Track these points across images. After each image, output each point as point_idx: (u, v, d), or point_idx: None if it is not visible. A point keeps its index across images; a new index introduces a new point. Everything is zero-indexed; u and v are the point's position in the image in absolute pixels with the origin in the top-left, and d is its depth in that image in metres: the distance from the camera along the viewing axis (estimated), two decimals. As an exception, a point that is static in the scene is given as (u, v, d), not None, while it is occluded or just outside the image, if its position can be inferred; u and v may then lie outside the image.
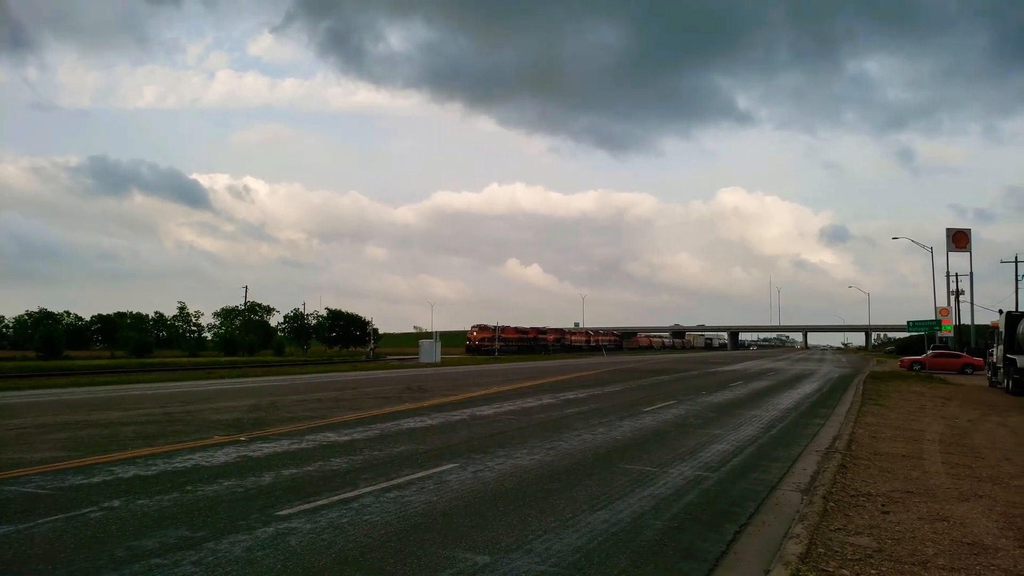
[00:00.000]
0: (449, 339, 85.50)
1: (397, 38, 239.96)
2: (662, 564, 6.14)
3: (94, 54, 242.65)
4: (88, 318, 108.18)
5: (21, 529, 6.80)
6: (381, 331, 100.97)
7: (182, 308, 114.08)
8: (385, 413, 17.19)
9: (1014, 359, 26.27)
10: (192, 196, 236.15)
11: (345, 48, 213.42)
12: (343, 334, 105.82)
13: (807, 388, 30.34)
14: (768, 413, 19.15)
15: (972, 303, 64.94)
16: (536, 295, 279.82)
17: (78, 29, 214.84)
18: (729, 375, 39.56)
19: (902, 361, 52.30)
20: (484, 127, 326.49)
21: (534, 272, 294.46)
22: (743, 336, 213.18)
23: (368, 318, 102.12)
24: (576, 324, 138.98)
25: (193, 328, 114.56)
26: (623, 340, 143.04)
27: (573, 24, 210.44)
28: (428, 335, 72.50)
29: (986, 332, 44.65)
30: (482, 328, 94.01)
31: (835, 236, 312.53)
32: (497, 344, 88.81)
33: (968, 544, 6.64)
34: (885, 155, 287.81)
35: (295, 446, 11.88)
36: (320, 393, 23.41)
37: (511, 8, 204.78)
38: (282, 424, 14.78)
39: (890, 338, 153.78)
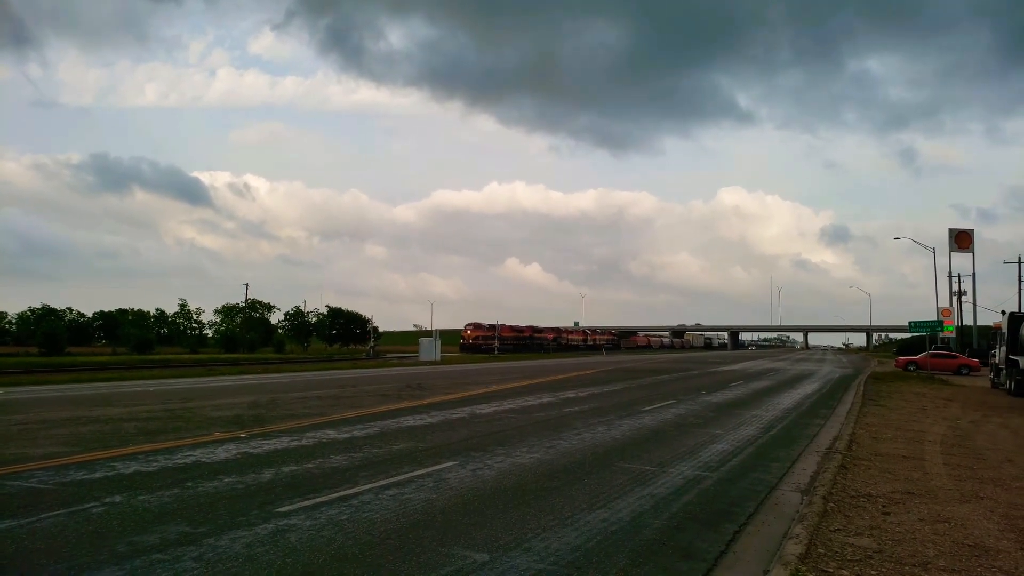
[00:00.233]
0: (449, 337, 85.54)
1: (397, 36, 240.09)
2: (661, 563, 6.15)
3: (95, 51, 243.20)
4: (90, 315, 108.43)
5: (23, 524, 6.81)
6: (381, 329, 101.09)
7: (183, 305, 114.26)
8: (385, 411, 17.21)
9: (1016, 360, 26.24)
10: (193, 194, 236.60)
11: (345, 46, 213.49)
12: (343, 332, 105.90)
13: (807, 388, 30.32)
14: (768, 413, 19.15)
15: (974, 304, 64.91)
16: (535, 294, 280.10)
17: (79, 26, 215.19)
18: (729, 375, 39.54)
19: (897, 361, 52.34)
20: (484, 126, 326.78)
21: (534, 271, 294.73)
22: (743, 336, 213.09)
23: (368, 316, 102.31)
24: (576, 323, 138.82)
25: (194, 325, 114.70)
26: (621, 340, 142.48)
27: (573, 22, 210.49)
28: (428, 333, 72.55)
29: (988, 333, 44.60)
30: (476, 326, 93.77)
31: (836, 236, 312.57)
32: (496, 343, 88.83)
33: (969, 546, 6.64)
34: (886, 155, 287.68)
35: (295, 443, 11.89)
36: (320, 390, 23.43)
37: (511, 6, 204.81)
38: (282, 421, 14.79)
39: (891, 339, 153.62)
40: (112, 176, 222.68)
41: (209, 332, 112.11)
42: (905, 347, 74.86)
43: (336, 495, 8.14)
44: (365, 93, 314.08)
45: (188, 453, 10.76)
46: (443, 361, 55.95)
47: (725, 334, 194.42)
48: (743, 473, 10.45)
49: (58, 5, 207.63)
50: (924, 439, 13.88)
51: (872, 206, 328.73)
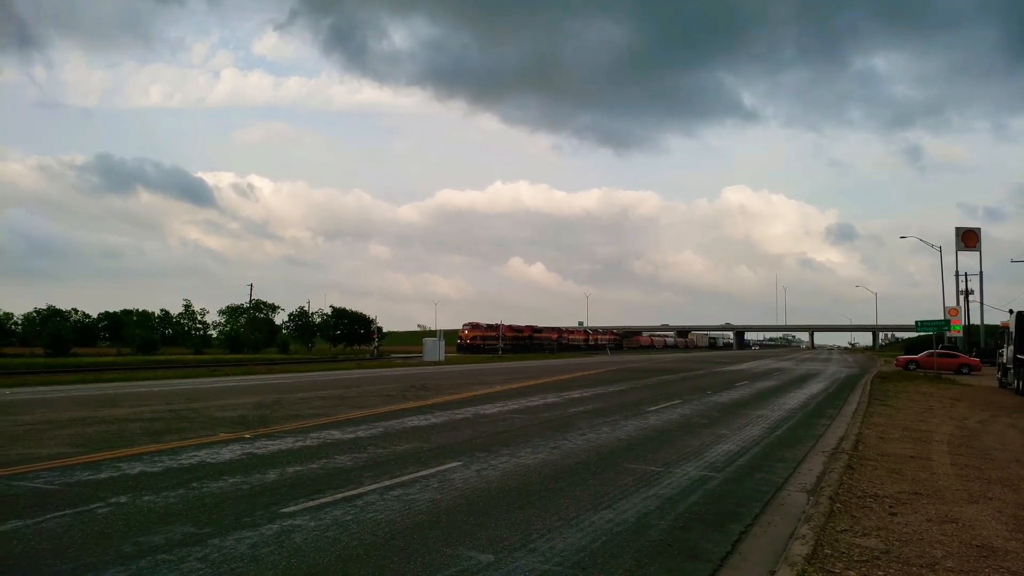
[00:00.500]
0: (452, 338, 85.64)
1: (400, 35, 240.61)
2: (667, 564, 6.12)
3: (99, 53, 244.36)
4: (95, 315, 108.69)
5: (30, 524, 6.83)
6: (385, 329, 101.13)
7: (187, 306, 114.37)
8: (389, 411, 17.21)
9: (1024, 360, 26.11)
10: (197, 194, 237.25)
11: (348, 45, 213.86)
12: (347, 332, 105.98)
13: (813, 388, 30.24)
14: (774, 413, 19.09)
15: (981, 303, 64.68)
16: (539, 294, 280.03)
17: (83, 27, 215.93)
18: (734, 375, 39.47)
19: (898, 360, 52.24)
20: (487, 125, 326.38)
21: (537, 271, 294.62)
22: (748, 336, 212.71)
23: (372, 316, 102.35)
24: (580, 323, 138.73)
25: (198, 326, 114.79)
26: (623, 339, 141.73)
27: (576, 21, 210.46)
28: (432, 333, 72.55)
29: (996, 332, 44.37)
30: (474, 326, 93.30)
31: (841, 235, 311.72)
32: (501, 343, 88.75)
33: (977, 547, 6.60)
34: (892, 153, 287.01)
35: (300, 443, 11.90)
36: (324, 391, 23.45)
37: (514, 5, 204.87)
38: (287, 422, 14.80)
39: (897, 338, 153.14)
40: (116, 177, 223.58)
41: (213, 333, 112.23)
42: (912, 346, 74.63)
43: (341, 496, 8.13)
44: (368, 93, 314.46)
45: (193, 454, 10.77)
46: (447, 361, 55.98)
47: (730, 334, 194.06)
48: (749, 473, 10.42)
49: (62, 6, 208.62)
50: (931, 439, 13.82)
51: (878, 205, 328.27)
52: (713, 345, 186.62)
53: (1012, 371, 28.42)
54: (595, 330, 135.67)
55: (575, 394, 23.62)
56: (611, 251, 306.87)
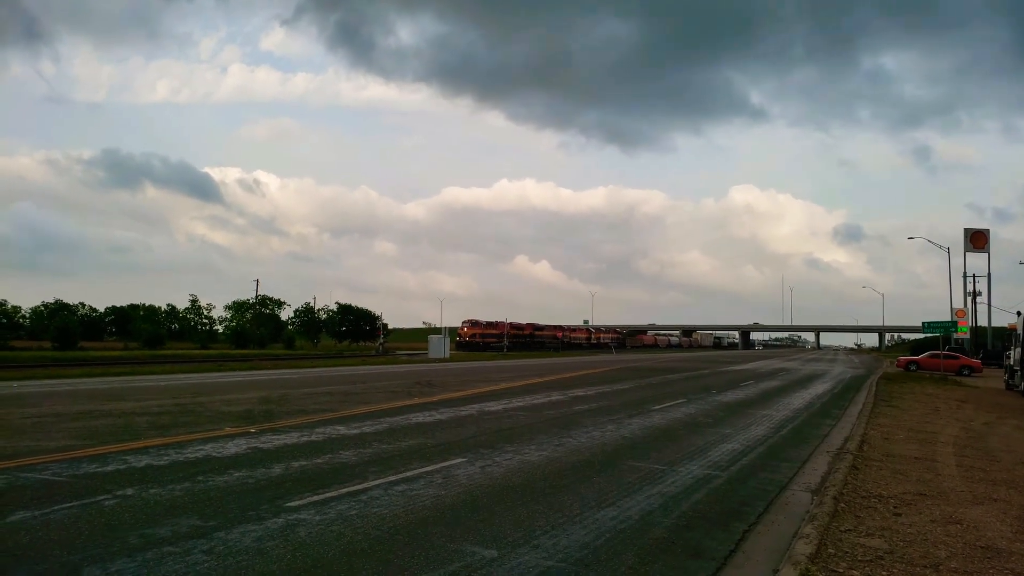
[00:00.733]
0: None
1: (407, 32, 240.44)
2: (670, 562, 6.13)
3: (107, 48, 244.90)
4: (102, 310, 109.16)
5: (37, 515, 6.88)
6: (390, 326, 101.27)
7: (194, 301, 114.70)
8: (394, 407, 17.25)
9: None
10: (204, 190, 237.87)
11: (355, 42, 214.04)
12: (353, 329, 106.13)
13: (818, 388, 30.16)
14: (779, 413, 19.06)
15: (989, 304, 64.44)
16: (545, 292, 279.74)
17: (91, 23, 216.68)
18: (739, 374, 39.40)
19: (899, 361, 52.12)
20: (494, 122, 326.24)
21: (543, 269, 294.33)
22: (754, 336, 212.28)
23: (378, 313, 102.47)
24: (585, 321, 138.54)
25: (205, 321, 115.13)
26: (626, 338, 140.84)
27: (583, 18, 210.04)
28: (437, 331, 72.66)
29: (1003, 334, 44.16)
30: (474, 323, 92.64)
31: (849, 235, 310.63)
32: (506, 341, 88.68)
33: (981, 548, 6.59)
34: (901, 153, 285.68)
35: (305, 438, 11.94)
36: (330, 387, 23.52)
37: (521, 1, 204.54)
38: (292, 417, 14.86)
39: (904, 339, 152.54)
40: (123, 172, 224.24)
41: (220, 328, 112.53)
42: (918, 348, 74.39)
43: (345, 490, 8.17)
44: (375, 90, 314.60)
45: (199, 447, 10.83)
46: (452, 358, 56.05)
47: (735, 333, 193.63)
48: (753, 472, 10.41)
49: (70, 1, 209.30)
50: (936, 440, 13.78)
51: (886, 205, 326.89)
52: (718, 345, 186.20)
53: (1019, 373, 28.29)
54: (598, 328, 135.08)
55: (579, 392, 23.62)
56: (617, 250, 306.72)
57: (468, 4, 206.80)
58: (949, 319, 52.43)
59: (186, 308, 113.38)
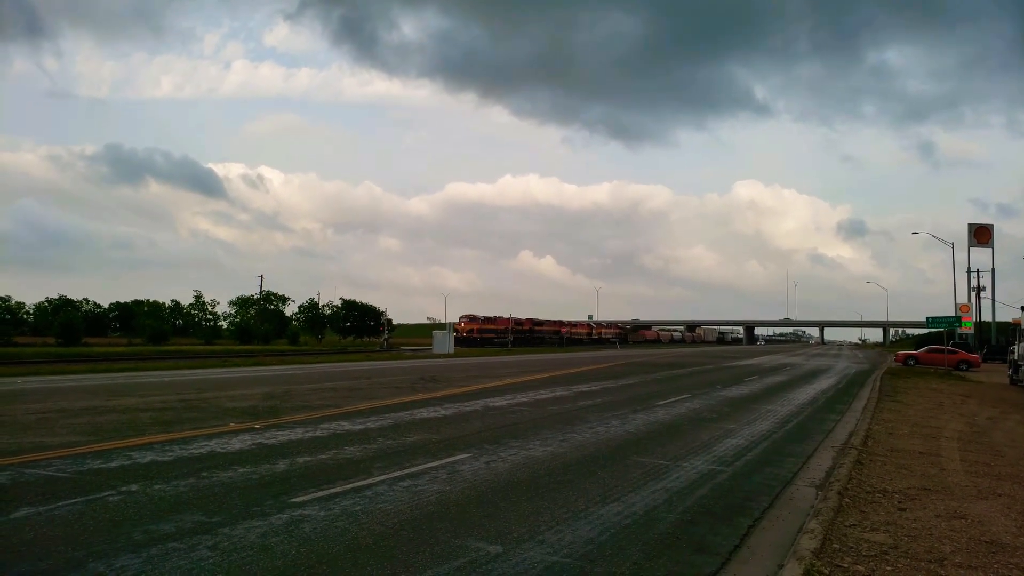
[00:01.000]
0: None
1: (410, 27, 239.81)
2: (675, 557, 6.13)
3: (110, 43, 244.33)
4: (106, 306, 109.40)
5: (42, 511, 6.90)
6: (395, 322, 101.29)
7: (198, 296, 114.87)
8: (399, 403, 17.27)
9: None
10: (207, 185, 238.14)
11: (359, 36, 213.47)
12: (357, 324, 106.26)
13: (823, 384, 30.12)
14: (783, 408, 19.04)
15: (993, 300, 64.28)
16: (549, 287, 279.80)
17: (93, 18, 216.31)
18: (743, 370, 39.36)
19: (897, 356, 52.25)
20: (497, 117, 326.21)
21: (547, 264, 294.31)
22: (757, 331, 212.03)
23: (382, 309, 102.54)
24: (590, 317, 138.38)
25: (209, 317, 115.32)
26: (628, 333, 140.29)
27: (587, 12, 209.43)
28: (441, 326, 72.67)
29: (1007, 329, 44.06)
30: (471, 319, 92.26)
31: (853, 230, 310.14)
32: (510, 336, 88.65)
33: (986, 542, 6.57)
34: (905, 148, 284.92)
35: (309, 434, 11.96)
36: (334, 382, 23.55)
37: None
38: (296, 412, 14.88)
39: (908, 334, 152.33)
40: (127, 167, 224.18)
41: (224, 323, 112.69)
42: (922, 342, 74.31)
43: (350, 486, 8.17)
44: (379, 85, 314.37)
45: (203, 443, 10.85)
46: (456, 354, 56.08)
47: (740, 329, 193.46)
48: (758, 468, 10.40)
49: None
50: (941, 435, 13.75)
51: (890, 200, 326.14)
52: (722, 340, 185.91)
53: (1023, 368, 28.21)
54: (599, 324, 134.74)
55: (583, 388, 23.62)
56: (621, 245, 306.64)
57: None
58: (953, 314, 52.33)
59: (190, 304, 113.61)
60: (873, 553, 6.13)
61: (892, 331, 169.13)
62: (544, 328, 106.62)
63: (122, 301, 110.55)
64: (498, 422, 14.17)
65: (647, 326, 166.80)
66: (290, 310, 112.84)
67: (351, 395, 19.05)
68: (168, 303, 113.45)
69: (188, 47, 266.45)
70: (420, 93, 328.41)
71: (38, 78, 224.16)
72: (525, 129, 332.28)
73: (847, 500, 8.03)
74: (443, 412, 15.60)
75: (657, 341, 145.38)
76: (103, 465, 9.08)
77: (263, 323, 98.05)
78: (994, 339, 61.26)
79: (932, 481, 9.28)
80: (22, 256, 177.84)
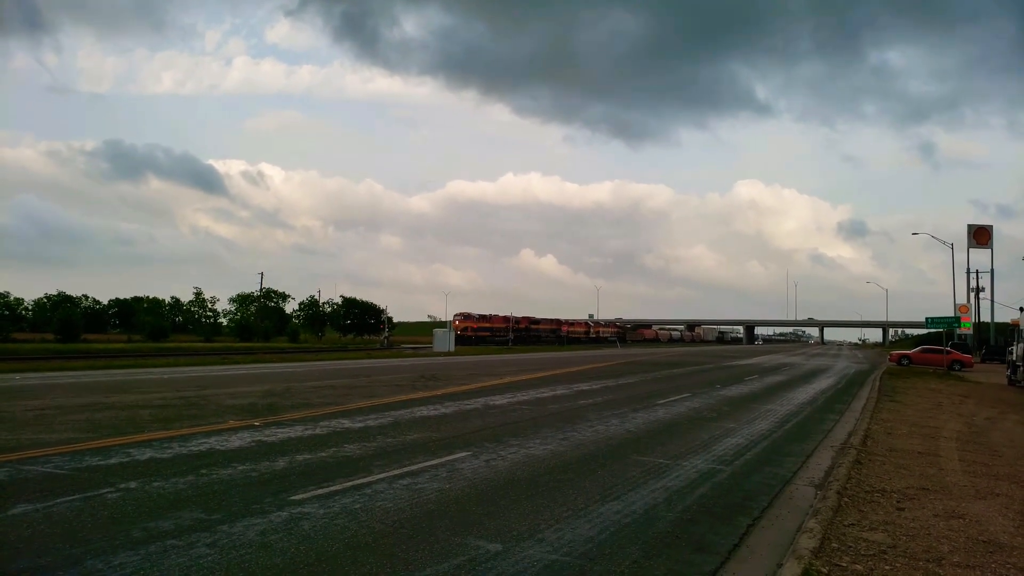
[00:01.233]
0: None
1: (412, 24, 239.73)
2: (674, 556, 6.13)
3: (111, 39, 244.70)
4: (106, 302, 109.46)
5: (40, 508, 6.89)
6: (395, 320, 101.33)
7: (198, 293, 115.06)
8: (399, 401, 17.27)
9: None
10: (208, 182, 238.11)
11: (360, 33, 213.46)
12: (358, 322, 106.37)
13: (822, 383, 30.14)
14: (783, 408, 19.05)
15: (992, 300, 64.29)
16: (550, 286, 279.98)
17: (94, 13, 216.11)
18: (743, 369, 39.38)
19: (891, 356, 52.41)
20: (499, 115, 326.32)
21: (548, 263, 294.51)
22: (757, 330, 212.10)
23: (383, 307, 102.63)
24: (591, 315, 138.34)
25: (209, 314, 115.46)
26: (627, 332, 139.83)
27: (589, 11, 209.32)
28: (442, 324, 72.70)
29: (1006, 330, 44.07)
30: (466, 316, 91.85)
31: (853, 231, 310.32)
32: (511, 335, 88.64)
33: (984, 542, 6.58)
34: (906, 148, 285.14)
35: (309, 432, 11.96)
36: (334, 380, 23.54)
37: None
38: (296, 410, 14.88)
39: (908, 335, 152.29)
40: (127, 163, 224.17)
41: (224, 321, 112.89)
42: (922, 343, 74.31)
43: (350, 484, 8.17)
44: (380, 82, 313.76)
45: (202, 440, 10.85)
46: (456, 352, 56.09)
47: (740, 328, 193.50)
48: (757, 467, 10.40)
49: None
50: (939, 435, 13.76)
51: (890, 201, 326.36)
52: (721, 339, 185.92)
53: (1021, 369, 28.23)
54: (597, 322, 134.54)
55: (584, 386, 23.63)
56: (622, 244, 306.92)
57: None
58: (953, 315, 52.35)
59: (190, 301, 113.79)
60: (872, 552, 6.13)
61: (892, 331, 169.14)
62: (541, 327, 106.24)
63: (122, 298, 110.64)
64: (498, 420, 14.17)
65: (647, 325, 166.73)
66: (290, 307, 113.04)
67: (351, 393, 19.04)
68: (168, 300, 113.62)
69: (189, 43, 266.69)
70: (422, 90, 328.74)
71: (38, 73, 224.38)
72: (527, 127, 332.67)
73: (846, 499, 8.04)
74: (443, 410, 15.60)
75: (656, 340, 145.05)
76: (102, 462, 9.08)
77: (263, 320, 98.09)
78: (993, 340, 61.26)
79: (930, 481, 9.29)
80: (21, 252, 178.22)
